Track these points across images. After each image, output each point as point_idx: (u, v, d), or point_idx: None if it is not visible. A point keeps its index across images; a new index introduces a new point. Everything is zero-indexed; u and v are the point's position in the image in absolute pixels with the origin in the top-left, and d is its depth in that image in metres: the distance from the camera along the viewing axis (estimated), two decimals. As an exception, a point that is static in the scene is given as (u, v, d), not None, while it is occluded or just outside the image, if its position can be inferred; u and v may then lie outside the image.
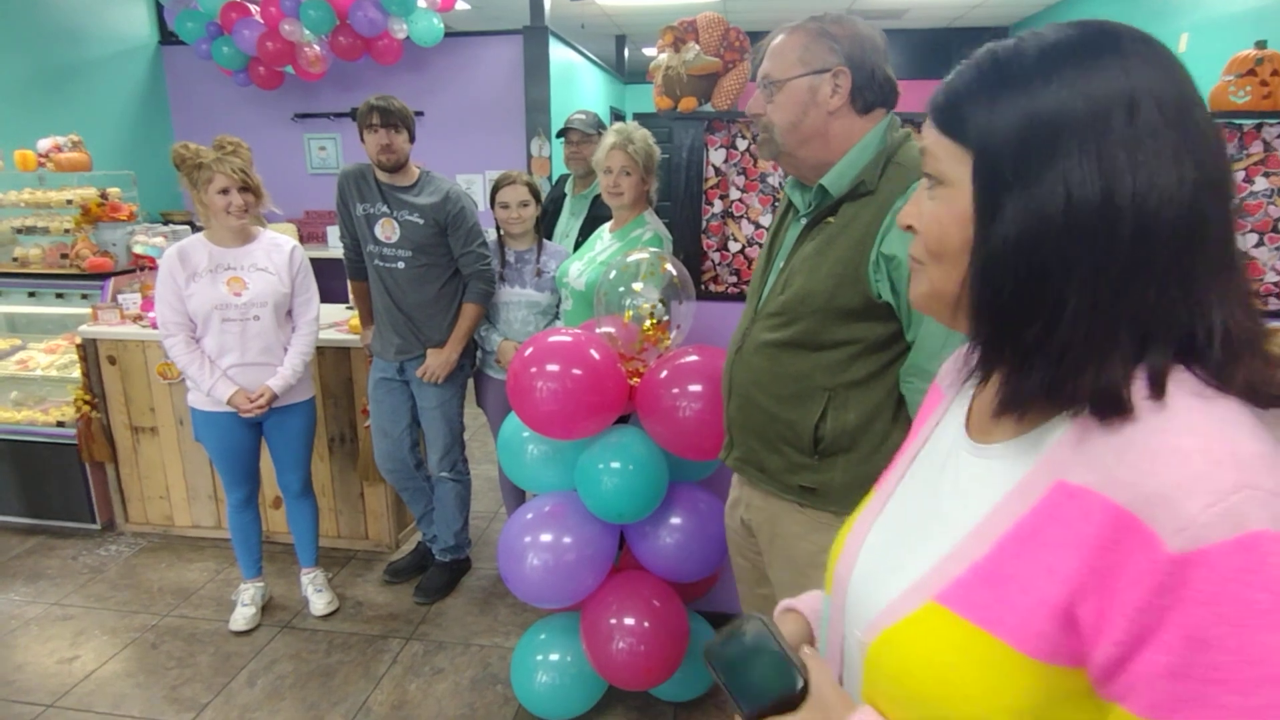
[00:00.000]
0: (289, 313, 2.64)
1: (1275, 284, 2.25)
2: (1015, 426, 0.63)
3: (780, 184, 2.38)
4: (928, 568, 0.62)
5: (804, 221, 1.47)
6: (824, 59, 1.36)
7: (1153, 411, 0.54)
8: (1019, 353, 0.59)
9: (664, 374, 1.97)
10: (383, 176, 2.70)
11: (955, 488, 0.66)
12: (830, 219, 1.41)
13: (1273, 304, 2.25)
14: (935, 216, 0.63)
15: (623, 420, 2.12)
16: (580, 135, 3.24)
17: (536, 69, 5.75)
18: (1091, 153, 0.54)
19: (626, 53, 9.97)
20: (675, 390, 1.93)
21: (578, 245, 2.93)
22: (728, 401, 1.59)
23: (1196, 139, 0.56)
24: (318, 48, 5.26)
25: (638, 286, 2.03)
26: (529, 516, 2.11)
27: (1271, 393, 0.55)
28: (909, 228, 0.68)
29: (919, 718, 0.60)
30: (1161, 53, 0.58)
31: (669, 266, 2.04)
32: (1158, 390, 0.54)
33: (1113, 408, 0.54)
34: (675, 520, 2.10)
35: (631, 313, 2.03)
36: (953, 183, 0.62)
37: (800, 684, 0.67)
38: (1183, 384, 0.55)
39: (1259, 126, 2.17)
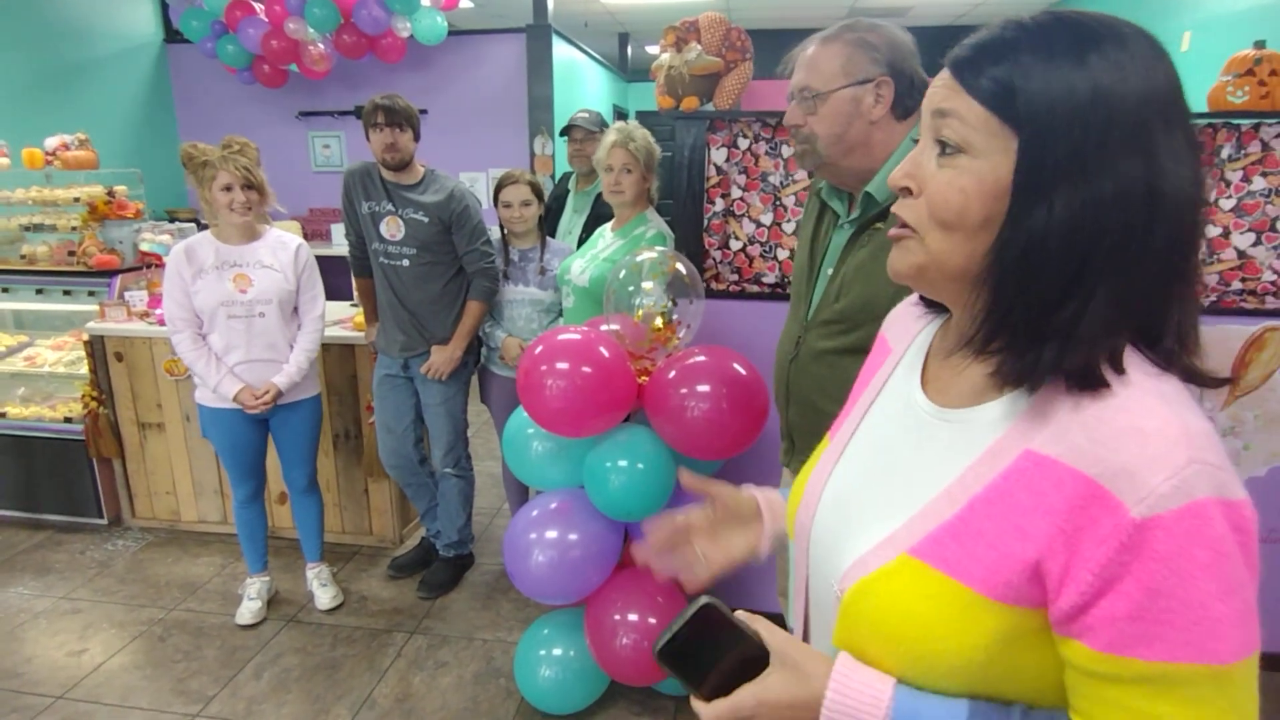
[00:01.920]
0: (295, 310, 2.67)
1: (1272, 283, 2.27)
2: (980, 393, 0.67)
3: (781, 183, 2.39)
4: (899, 524, 0.67)
5: (848, 228, 1.48)
6: (867, 69, 1.36)
7: (1114, 387, 0.59)
8: (1035, 331, 0.60)
9: (673, 374, 1.98)
10: (388, 175, 2.73)
11: (921, 449, 0.70)
12: (879, 224, 1.41)
13: (1270, 303, 2.26)
14: (956, 186, 0.61)
15: (625, 418, 2.14)
16: (583, 133, 3.26)
17: (539, 67, 5.77)
18: (1140, 149, 0.57)
19: (630, 50, 9.97)
20: (684, 390, 1.95)
21: (581, 242, 2.95)
22: (786, 408, 1.61)
23: (1195, 144, 0.60)
24: (322, 46, 5.28)
25: (648, 285, 2.03)
26: (535, 513, 2.13)
27: (1210, 375, 0.63)
28: (905, 190, 0.66)
29: (895, 656, 0.65)
30: (1164, 50, 0.61)
31: (679, 265, 2.05)
32: (1118, 367, 0.60)
33: (1094, 383, 0.59)
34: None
35: (642, 312, 2.04)
36: (981, 154, 0.60)
37: (763, 646, 0.67)
38: (1135, 362, 0.60)
39: (1257, 126, 2.18)
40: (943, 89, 0.63)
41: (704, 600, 0.67)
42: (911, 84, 1.38)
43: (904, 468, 0.71)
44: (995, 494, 0.62)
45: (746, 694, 0.66)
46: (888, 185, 0.69)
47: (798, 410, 1.58)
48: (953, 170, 0.62)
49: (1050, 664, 0.61)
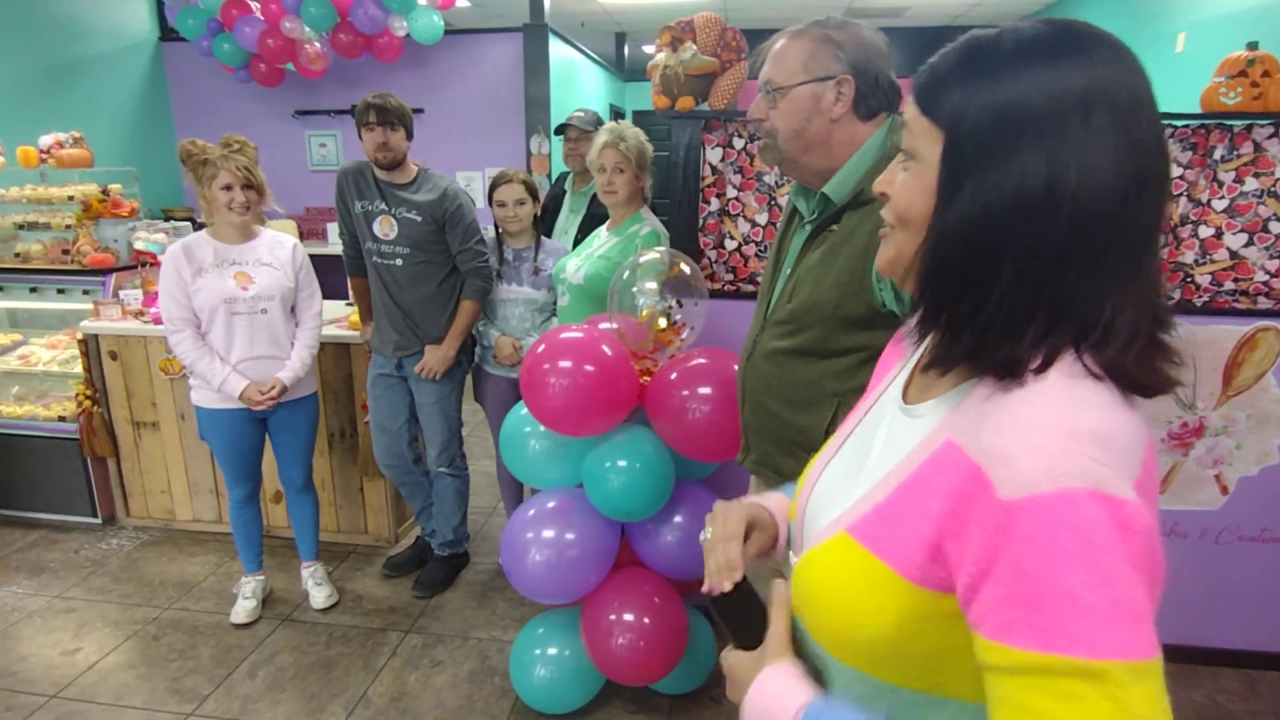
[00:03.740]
0: (293, 308, 2.67)
1: (1264, 283, 2.28)
2: (933, 390, 0.72)
3: (776, 183, 2.40)
4: (848, 505, 0.74)
5: (808, 229, 1.47)
6: (828, 66, 1.35)
7: (1029, 384, 0.62)
8: (952, 320, 0.66)
9: (674, 375, 1.98)
10: (381, 174, 2.72)
11: (884, 441, 0.77)
12: (833, 227, 1.40)
13: (1262, 303, 2.27)
14: (906, 186, 0.69)
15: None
16: (578, 131, 3.26)
17: (536, 66, 5.77)
18: (1045, 148, 0.60)
19: (626, 50, 9.97)
20: (685, 392, 1.94)
21: (577, 241, 2.95)
22: (742, 406, 1.60)
23: (1140, 142, 0.61)
24: (318, 45, 5.27)
25: (651, 286, 2.03)
26: (532, 512, 2.13)
27: (1149, 383, 0.63)
28: (883, 194, 0.74)
29: (823, 624, 0.73)
30: (1124, 55, 0.63)
31: (683, 266, 2.04)
32: (1044, 368, 0.62)
33: (1011, 376, 0.62)
34: (678, 519, 2.12)
35: (645, 313, 2.03)
36: (924, 158, 0.67)
37: (758, 642, 0.80)
38: (1061, 365, 0.62)
39: (1249, 127, 2.19)
40: (906, 105, 0.71)
41: (743, 579, 0.84)
42: (876, 84, 1.37)
43: (870, 458, 0.77)
44: (916, 479, 0.67)
45: (734, 657, 0.82)
46: (873, 191, 0.75)
47: (750, 409, 1.57)
48: (908, 173, 0.70)
49: (969, 654, 0.61)
